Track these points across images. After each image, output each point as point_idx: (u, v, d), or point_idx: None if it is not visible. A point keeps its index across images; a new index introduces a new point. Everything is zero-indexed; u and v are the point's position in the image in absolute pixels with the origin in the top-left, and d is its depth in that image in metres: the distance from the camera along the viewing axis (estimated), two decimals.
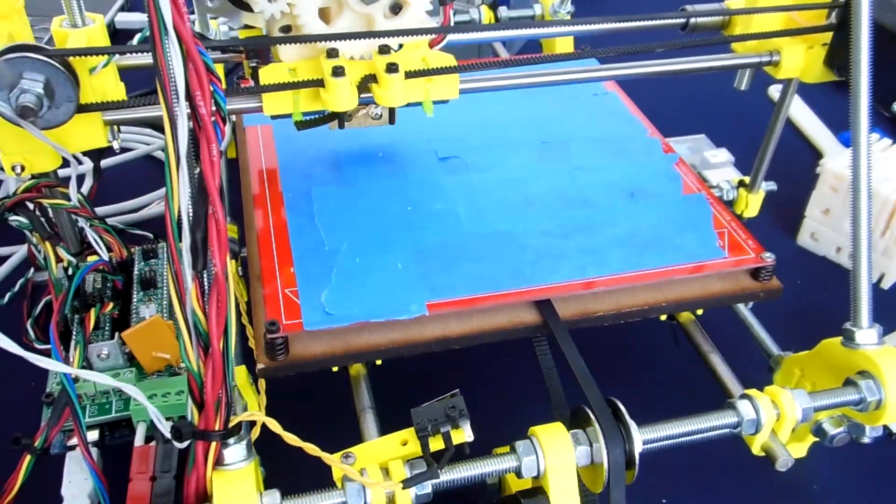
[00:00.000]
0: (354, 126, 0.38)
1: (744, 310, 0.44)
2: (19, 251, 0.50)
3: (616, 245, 0.41)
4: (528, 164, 0.47)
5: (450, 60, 0.37)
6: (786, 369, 0.39)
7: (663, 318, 0.42)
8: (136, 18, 0.76)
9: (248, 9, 0.35)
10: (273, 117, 0.36)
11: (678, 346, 0.44)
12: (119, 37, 0.76)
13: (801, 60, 0.43)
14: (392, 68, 0.35)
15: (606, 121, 0.52)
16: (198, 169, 0.26)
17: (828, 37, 0.42)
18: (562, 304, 0.39)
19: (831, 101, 0.45)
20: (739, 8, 0.44)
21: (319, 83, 0.35)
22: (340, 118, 0.37)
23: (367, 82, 0.36)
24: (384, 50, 0.36)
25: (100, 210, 0.54)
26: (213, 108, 0.27)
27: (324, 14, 0.36)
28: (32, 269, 0.46)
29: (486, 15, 0.62)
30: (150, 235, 0.46)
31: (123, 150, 0.60)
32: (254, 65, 0.39)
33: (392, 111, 0.38)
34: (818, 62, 0.43)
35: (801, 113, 0.68)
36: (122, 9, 0.79)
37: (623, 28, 0.46)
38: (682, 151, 0.60)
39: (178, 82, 0.26)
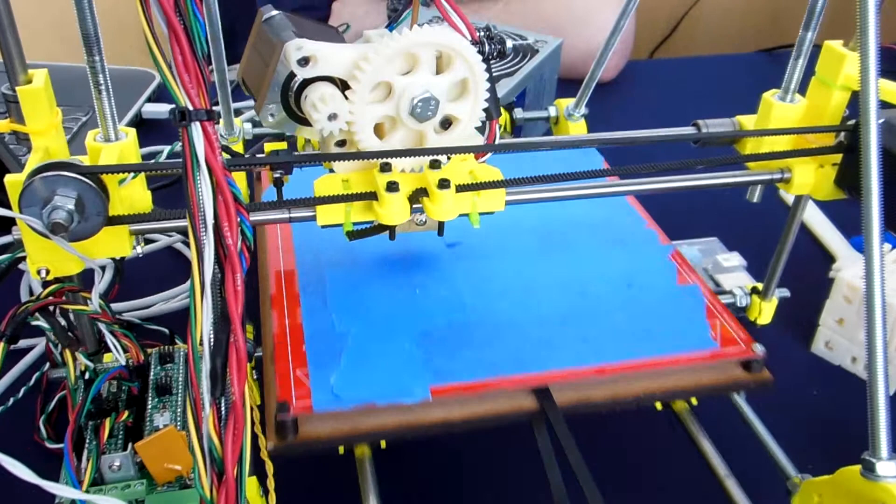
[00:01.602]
0: (400, 232, 0.40)
1: (760, 427, 0.44)
2: (38, 345, 0.50)
3: (612, 334, 0.42)
4: (529, 250, 0.49)
5: (496, 174, 0.38)
6: (804, 494, 0.39)
7: (659, 406, 0.42)
8: (163, 109, 0.78)
9: (308, 123, 0.36)
10: (323, 226, 0.37)
11: (675, 431, 0.45)
12: (145, 127, 0.79)
13: (812, 178, 0.44)
14: (444, 184, 0.36)
15: (605, 209, 0.53)
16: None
17: (838, 157, 0.43)
18: (559, 391, 0.40)
19: (841, 203, 0.46)
20: (750, 129, 0.45)
21: (373, 196, 0.36)
22: (392, 229, 0.38)
23: (418, 195, 0.37)
24: (435, 165, 0.37)
25: (115, 306, 0.55)
26: (239, 239, 0.27)
27: (378, 129, 0.37)
28: (48, 364, 0.46)
29: (503, 116, 0.64)
30: (166, 331, 0.46)
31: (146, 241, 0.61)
32: (277, 175, 0.40)
33: (441, 223, 0.39)
34: (829, 181, 0.44)
35: (811, 216, 0.68)
36: (149, 99, 0.82)
37: (638, 140, 0.48)
38: (693, 254, 0.61)
39: (206, 213, 0.27)
